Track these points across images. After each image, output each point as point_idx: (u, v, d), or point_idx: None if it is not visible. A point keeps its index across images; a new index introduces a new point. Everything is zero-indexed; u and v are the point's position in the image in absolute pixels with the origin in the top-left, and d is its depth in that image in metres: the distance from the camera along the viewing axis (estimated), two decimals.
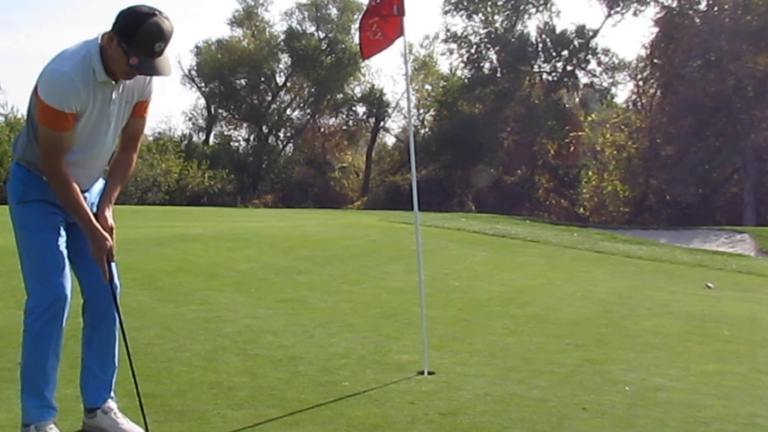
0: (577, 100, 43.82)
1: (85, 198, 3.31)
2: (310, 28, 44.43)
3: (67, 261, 3.32)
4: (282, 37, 44.17)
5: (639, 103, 41.58)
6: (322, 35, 43.88)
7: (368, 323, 6.09)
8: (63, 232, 3.33)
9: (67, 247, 3.35)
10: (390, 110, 45.01)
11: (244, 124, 45.78)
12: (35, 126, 3.19)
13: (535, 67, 42.42)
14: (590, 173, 42.67)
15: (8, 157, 31.50)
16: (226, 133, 46.49)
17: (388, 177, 42.29)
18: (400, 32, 4.88)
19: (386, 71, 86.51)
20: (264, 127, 44.96)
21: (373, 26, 4.92)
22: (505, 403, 3.98)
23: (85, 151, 3.28)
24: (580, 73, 42.14)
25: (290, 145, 46.90)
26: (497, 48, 41.60)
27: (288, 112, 46.52)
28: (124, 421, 3.43)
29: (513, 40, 40.95)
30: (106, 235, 3.24)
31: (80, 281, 3.47)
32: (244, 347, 5.07)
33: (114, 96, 3.25)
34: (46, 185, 3.25)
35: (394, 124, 48.69)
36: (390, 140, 47.95)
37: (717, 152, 35.35)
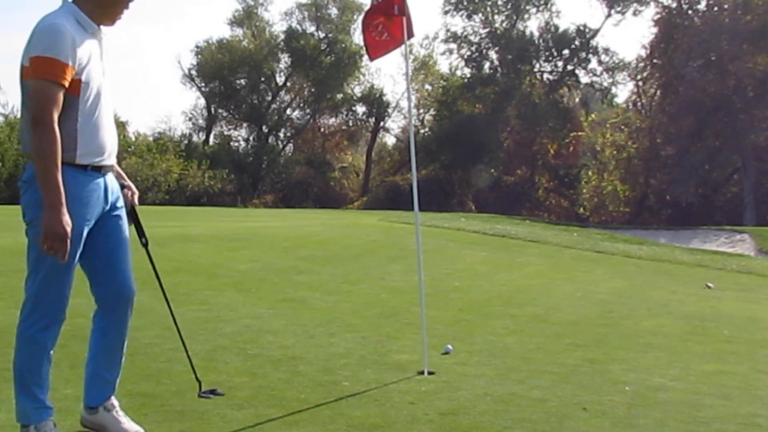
0: (577, 99, 43.83)
1: (108, 190, 3.24)
2: (310, 28, 44.46)
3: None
4: (282, 37, 44.18)
5: (639, 103, 41.57)
6: (322, 35, 43.89)
7: (368, 323, 6.09)
8: (81, 245, 3.20)
9: (88, 255, 3.28)
10: (390, 110, 45.05)
11: (244, 124, 45.79)
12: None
13: (536, 66, 42.43)
14: (590, 173, 42.68)
15: (9, 155, 31.50)
16: (226, 133, 46.51)
17: (388, 177, 42.28)
18: (409, 33, 4.85)
19: (386, 71, 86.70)
20: (264, 127, 44.96)
21: (379, 26, 4.89)
22: (505, 403, 3.98)
23: (103, 112, 3.18)
24: (580, 73, 42.18)
25: (290, 145, 46.92)
26: (497, 48, 41.62)
27: (288, 112, 46.55)
28: (125, 420, 3.42)
29: (513, 39, 40.96)
30: (68, 224, 2.99)
31: (98, 288, 3.41)
32: (244, 347, 5.07)
33: (102, 51, 3.21)
34: (80, 184, 3.12)
35: (394, 124, 48.76)
36: (390, 140, 47.97)
37: (717, 152, 35.35)
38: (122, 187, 3.45)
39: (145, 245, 3.56)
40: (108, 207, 3.30)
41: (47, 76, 2.97)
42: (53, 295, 3.21)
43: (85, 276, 3.40)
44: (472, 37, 42.07)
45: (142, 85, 71.48)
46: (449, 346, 5.17)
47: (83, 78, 3.08)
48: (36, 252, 3.14)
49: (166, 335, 5.33)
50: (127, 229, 3.43)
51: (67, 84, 3.01)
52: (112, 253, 3.37)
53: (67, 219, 2.98)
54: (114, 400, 3.47)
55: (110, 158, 3.26)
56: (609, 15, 40.55)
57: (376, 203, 36.53)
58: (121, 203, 3.39)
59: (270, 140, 45.14)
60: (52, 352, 3.28)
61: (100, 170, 3.22)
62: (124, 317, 3.45)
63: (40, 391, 3.26)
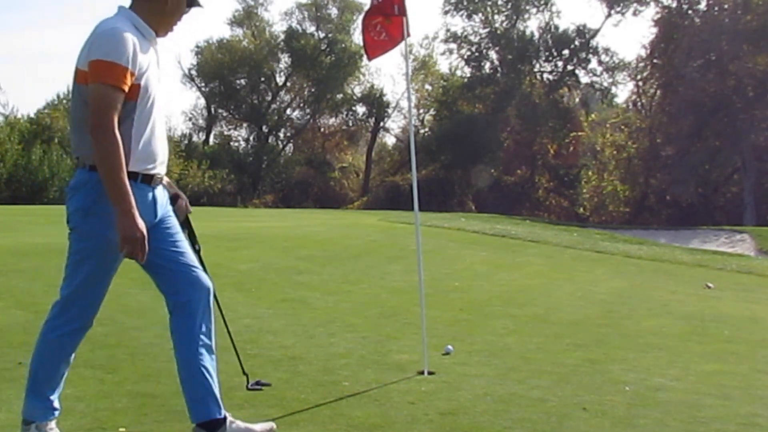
0: (577, 99, 43.84)
1: (155, 201, 3.18)
2: (310, 28, 44.45)
3: None
4: (282, 37, 44.18)
5: (639, 103, 41.58)
6: (322, 35, 43.88)
7: (368, 323, 6.09)
8: (122, 257, 3.14)
9: (148, 266, 3.25)
10: (390, 110, 45.03)
11: (244, 124, 45.78)
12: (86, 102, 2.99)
13: (536, 66, 42.44)
14: (590, 173, 42.68)
15: (9, 156, 31.49)
16: (226, 133, 46.52)
17: (388, 177, 42.27)
18: (405, 33, 4.86)
19: (386, 71, 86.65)
20: (264, 127, 44.96)
21: (377, 26, 4.90)
22: (505, 403, 3.97)
23: (156, 120, 3.17)
24: (580, 73, 42.20)
25: (290, 145, 46.92)
26: (497, 48, 41.63)
27: (288, 112, 46.54)
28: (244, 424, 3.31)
29: (513, 39, 40.96)
30: (143, 227, 2.99)
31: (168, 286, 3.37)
32: (244, 347, 5.06)
33: (158, 58, 3.22)
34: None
35: (394, 124, 48.77)
36: (390, 140, 47.95)
37: (717, 152, 35.37)
38: (176, 197, 3.45)
39: (198, 251, 3.57)
40: (156, 220, 3.22)
41: (108, 80, 2.94)
42: (85, 301, 3.20)
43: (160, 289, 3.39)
44: (472, 37, 42.10)
45: None
46: (449, 347, 5.17)
47: (142, 83, 3.06)
48: (76, 258, 3.15)
49: (166, 335, 5.29)
50: (181, 233, 3.40)
51: (127, 89, 2.99)
52: (172, 257, 3.32)
53: (141, 222, 2.97)
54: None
55: (161, 167, 3.23)
56: (609, 15, 40.58)
57: (376, 203, 36.53)
58: (170, 215, 3.34)
59: (270, 140, 45.14)
60: (72, 356, 3.26)
61: (150, 181, 3.17)
62: (206, 320, 3.33)
63: (51, 392, 3.24)
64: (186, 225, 3.53)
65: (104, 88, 2.94)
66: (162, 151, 3.22)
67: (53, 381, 3.23)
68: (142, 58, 3.05)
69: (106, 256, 3.14)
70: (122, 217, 2.94)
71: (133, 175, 3.06)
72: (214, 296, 3.38)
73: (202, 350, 3.25)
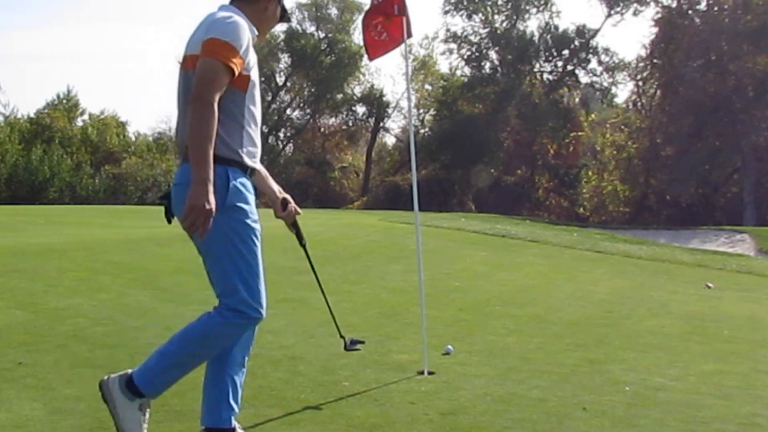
0: (577, 99, 43.85)
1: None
2: (310, 28, 44.49)
3: None
4: (282, 37, 44.18)
5: (639, 103, 41.59)
6: (322, 35, 43.91)
7: (368, 323, 6.09)
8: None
9: None
10: (390, 110, 45.05)
11: None
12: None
13: (536, 66, 42.46)
14: (590, 173, 42.69)
15: (9, 156, 31.49)
16: None
17: (388, 177, 42.29)
18: (407, 33, 4.86)
19: (386, 71, 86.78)
20: (264, 127, 44.95)
21: (378, 26, 4.89)
22: (505, 403, 3.97)
23: (258, 115, 3.15)
24: (580, 73, 42.23)
25: (290, 145, 46.94)
26: (497, 48, 41.64)
27: (288, 112, 46.56)
28: None
29: (513, 39, 40.97)
30: (213, 203, 2.83)
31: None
32: None
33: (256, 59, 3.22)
34: (246, 187, 3.06)
35: (394, 124, 48.81)
36: (390, 140, 47.96)
37: (717, 152, 35.38)
38: (286, 202, 3.48)
39: (304, 246, 3.73)
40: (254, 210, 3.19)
41: (218, 57, 2.89)
42: (255, 279, 3.12)
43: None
44: (472, 37, 42.12)
45: (142, 85, 71.53)
46: (450, 347, 5.17)
47: (252, 76, 3.06)
48: (221, 239, 3.04)
49: (166, 335, 5.30)
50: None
51: (236, 71, 2.93)
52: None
53: (213, 198, 2.83)
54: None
55: (258, 162, 3.21)
56: (609, 15, 40.61)
57: (376, 203, 36.54)
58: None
59: (270, 140, 45.13)
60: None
61: (253, 174, 3.16)
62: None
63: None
64: (294, 226, 3.64)
65: (214, 63, 2.89)
66: (259, 147, 3.20)
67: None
68: (252, 54, 3.06)
69: (255, 231, 3.12)
70: (197, 186, 2.81)
71: (242, 167, 3.04)
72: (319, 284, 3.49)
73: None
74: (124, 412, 3.06)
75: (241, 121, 3.03)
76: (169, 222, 3.16)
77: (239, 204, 3.01)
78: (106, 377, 3.15)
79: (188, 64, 3.02)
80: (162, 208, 3.16)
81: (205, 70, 2.88)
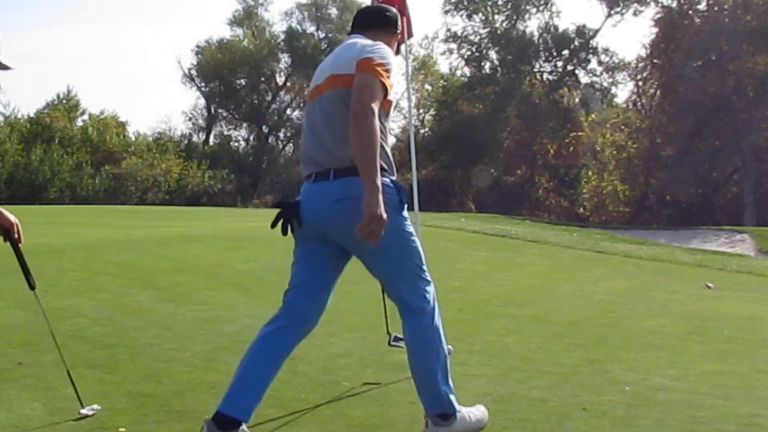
0: (577, 99, 43.85)
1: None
2: (310, 28, 44.53)
3: None
4: (282, 37, 44.23)
5: (639, 103, 41.60)
6: (322, 35, 43.92)
7: (368, 323, 6.08)
8: None
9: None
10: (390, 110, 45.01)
11: (244, 124, 45.80)
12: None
13: (536, 66, 42.47)
14: (590, 173, 42.70)
15: (9, 156, 31.48)
16: (226, 133, 46.55)
17: None
18: (408, 33, 4.85)
19: None
20: (264, 127, 44.99)
21: None
22: (505, 403, 3.97)
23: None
24: (580, 73, 42.25)
25: (290, 145, 46.92)
26: (497, 48, 41.64)
27: (288, 112, 46.58)
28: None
29: (513, 39, 40.98)
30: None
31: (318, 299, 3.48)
32: (244, 347, 5.01)
33: None
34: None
35: (394, 124, 48.72)
36: (390, 140, 47.98)
37: (717, 152, 35.39)
38: None
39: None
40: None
41: (377, 74, 3.05)
42: (424, 267, 3.41)
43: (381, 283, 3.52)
44: (472, 37, 42.14)
45: (142, 85, 71.55)
46: (450, 347, 5.16)
47: (393, 101, 3.27)
48: (398, 240, 3.24)
49: (166, 335, 5.33)
50: None
51: (389, 91, 3.12)
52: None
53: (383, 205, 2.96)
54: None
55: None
56: (609, 15, 40.62)
57: None
58: None
59: (270, 140, 45.17)
60: None
61: None
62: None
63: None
64: None
65: (374, 78, 3.04)
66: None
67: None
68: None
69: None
70: (372, 195, 2.91)
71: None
72: None
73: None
74: None
75: (382, 139, 3.16)
76: (285, 234, 3.38)
77: (403, 209, 3.25)
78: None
79: (338, 82, 3.17)
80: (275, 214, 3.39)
81: (367, 84, 3.04)
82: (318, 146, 3.22)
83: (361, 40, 3.25)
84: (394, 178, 3.28)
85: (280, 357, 3.36)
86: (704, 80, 35.09)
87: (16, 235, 3.42)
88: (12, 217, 3.41)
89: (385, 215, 2.93)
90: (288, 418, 3.65)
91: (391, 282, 3.36)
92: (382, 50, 3.16)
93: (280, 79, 45.52)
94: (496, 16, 42.33)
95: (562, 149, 41.86)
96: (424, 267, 3.37)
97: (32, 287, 3.69)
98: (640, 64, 40.22)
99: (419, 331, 3.39)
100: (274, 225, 3.34)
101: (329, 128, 3.18)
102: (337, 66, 3.21)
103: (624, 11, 40.13)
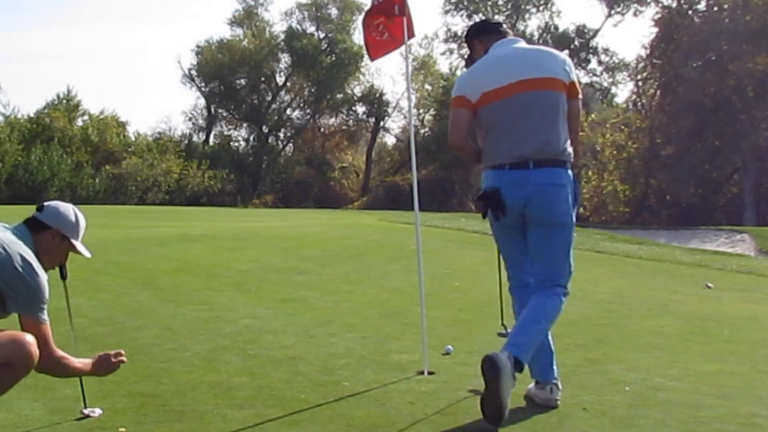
0: None
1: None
2: (310, 28, 44.52)
3: None
4: (282, 37, 44.22)
5: (639, 103, 41.57)
6: (322, 35, 43.91)
7: (368, 323, 6.09)
8: None
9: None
10: (390, 110, 45.02)
11: (244, 124, 45.80)
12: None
13: None
14: (590, 173, 42.66)
15: (9, 156, 31.48)
16: (226, 133, 46.54)
17: (388, 177, 42.28)
18: (409, 33, 4.84)
19: (386, 71, 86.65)
20: (264, 127, 44.98)
21: (379, 26, 4.87)
22: None
23: None
24: (580, 73, 42.19)
25: (290, 145, 46.93)
26: None
27: (288, 112, 46.58)
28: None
29: None
30: None
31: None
32: (244, 347, 5.07)
33: None
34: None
35: (394, 124, 48.76)
36: (390, 140, 47.91)
37: (717, 152, 35.34)
38: None
39: None
40: None
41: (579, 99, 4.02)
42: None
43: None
44: None
45: (142, 85, 71.53)
46: (450, 347, 5.17)
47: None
48: (569, 246, 3.98)
49: (166, 335, 5.33)
50: None
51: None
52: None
53: None
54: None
55: None
56: (609, 15, 40.64)
57: (376, 203, 36.54)
58: None
59: (270, 140, 45.16)
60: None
61: None
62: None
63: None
64: None
65: (580, 103, 4.04)
66: None
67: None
68: None
69: None
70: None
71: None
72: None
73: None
74: (507, 383, 3.65)
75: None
76: (498, 218, 4.25)
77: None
78: (493, 353, 3.72)
79: (554, 85, 3.87)
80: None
81: (579, 108, 4.02)
82: (535, 137, 3.91)
83: (547, 48, 4.09)
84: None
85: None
86: (704, 80, 35.06)
87: None
88: None
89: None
90: (288, 418, 3.65)
91: (547, 264, 3.96)
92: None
93: (280, 79, 45.53)
94: (497, 16, 42.34)
95: None
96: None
97: (63, 277, 3.69)
98: (640, 64, 40.21)
99: (556, 307, 3.99)
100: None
101: (540, 123, 3.87)
102: (551, 70, 3.87)
103: (624, 11, 40.20)
